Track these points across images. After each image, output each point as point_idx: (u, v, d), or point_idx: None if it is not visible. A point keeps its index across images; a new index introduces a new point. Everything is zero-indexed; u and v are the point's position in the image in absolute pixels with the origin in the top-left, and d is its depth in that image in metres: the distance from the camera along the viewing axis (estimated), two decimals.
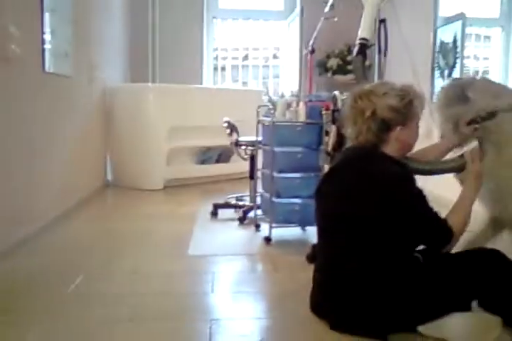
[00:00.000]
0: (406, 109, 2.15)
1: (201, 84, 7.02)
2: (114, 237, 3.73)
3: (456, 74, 4.79)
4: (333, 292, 2.17)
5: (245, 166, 4.57)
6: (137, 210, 4.64)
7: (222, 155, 6.10)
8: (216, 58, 7.48)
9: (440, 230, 2.10)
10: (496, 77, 4.38)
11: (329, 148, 3.61)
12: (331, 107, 3.50)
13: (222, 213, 4.37)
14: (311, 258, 3.08)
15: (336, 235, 2.19)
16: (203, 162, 6.06)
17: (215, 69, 7.47)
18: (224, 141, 4.67)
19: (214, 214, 4.34)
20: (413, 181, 2.13)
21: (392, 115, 2.13)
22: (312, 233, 3.27)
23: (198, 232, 3.85)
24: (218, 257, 3.28)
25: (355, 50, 3.44)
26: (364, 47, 3.41)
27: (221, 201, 4.55)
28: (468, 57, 4.75)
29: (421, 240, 2.15)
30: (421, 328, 2.06)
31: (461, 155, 2.33)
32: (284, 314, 2.40)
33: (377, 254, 2.09)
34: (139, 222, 4.16)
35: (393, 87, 2.17)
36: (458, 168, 2.32)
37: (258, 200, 4.08)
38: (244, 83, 7.70)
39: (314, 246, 3.08)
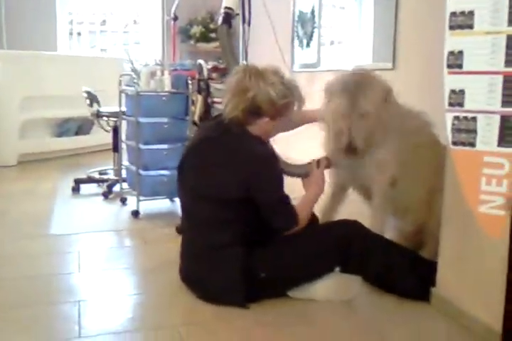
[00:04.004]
0: (282, 106, 2.16)
1: (55, 50, 6.54)
2: None
3: (314, 43, 4.95)
4: (199, 263, 2.19)
5: (107, 138, 4.37)
6: None
7: (82, 127, 5.77)
8: (71, 23, 6.99)
9: (289, 213, 2.16)
10: (349, 45, 4.58)
11: (196, 118, 3.57)
12: (197, 76, 3.44)
13: (85, 188, 4.16)
14: (180, 229, 3.05)
15: (198, 208, 2.21)
16: (61, 134, 5.68)
17: (71, 34, 7.00)
18: (84, 111, 4.41)
19: (76, 189, 4.12)
20: (277, 162, 2.18)
21: (268, 107, 2.12)
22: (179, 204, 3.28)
23: (60, 210, 3.63)
24: (83, 235, 3.11)
25: (220, 19, 3.38)
26: (229, 16, 3.37)
27: (83, 176, 4.31)
28: (325, 26, 4.90)
29: (269, 219, 2.17)
30: (289, 292, 2.18)
31: (309, 163, 2.44)
32: (156, 287, 2.36)
33: (240, 225, 2.14)
34: None
35: (283, 80, 2.16)
36: (304, 175, 2.43)
37: (123, 174, 3.94)
38: (103, 50, 7.31)
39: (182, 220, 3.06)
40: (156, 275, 2.50)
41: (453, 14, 1.87)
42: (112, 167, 4.35)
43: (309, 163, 2.44)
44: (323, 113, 2.46)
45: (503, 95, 1.74)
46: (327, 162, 2.41)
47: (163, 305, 2.21)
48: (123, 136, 3.90)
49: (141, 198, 3.46)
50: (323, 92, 2.47)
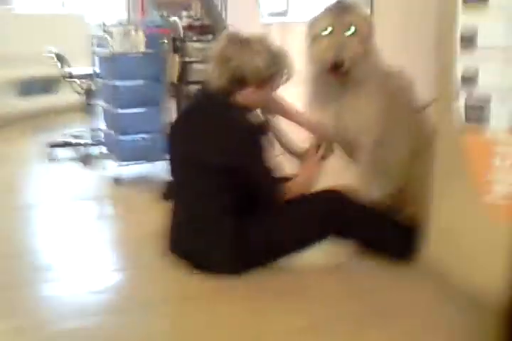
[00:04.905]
0: (269, 75, 2.10)
1: (11, 5, 6.18)
2: None
3: None
4: (190, 234, 2.17)
5: (76, 97, 4.19)
6: None
7: (49, 86, 5.55)
8: None
9: (271, 182, 2.15)
10: None
11: (173, 79, 3.49)
12: (171, 35, 3.32)
13: (61, 153, 4.03)
14: (166, 195, 3.02)
15: (188, 179, 2.18)
16: (25, 94, 5.46)
17: None
18: (48, 71, 4.23)
19: (51, 154, 3.99)
20: (262, 135, 2.14)
21: (252, 76, 2.07)
22: (162, 168, 3.25)
23: (35, 177, 3.55)
24: (62, 204, 3.03)
25: None
26: None
27: (56, 139, 4.17)
28: None
29: (254, 189, 2.16)
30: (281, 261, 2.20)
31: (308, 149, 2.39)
32: (142, 260, 2.33)
33: (229, 196, 2.12)
34: None
35: (269, 49, 2.10)
36: (300, 156, 2.40)
37: (98, 136, 3.84)
38: (63, 5, 6.94)
39: (169, 183, 3.02)
40: (142, 247, 2.44)
41: None
42: (84, 129, 4.21)
43: (308, 149, 2.39)
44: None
45: None
46: (325, 151, 2.36)
47: (152, 278, 2.19)
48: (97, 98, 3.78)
49: (122, 163, 3.40)
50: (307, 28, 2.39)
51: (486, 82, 1.74)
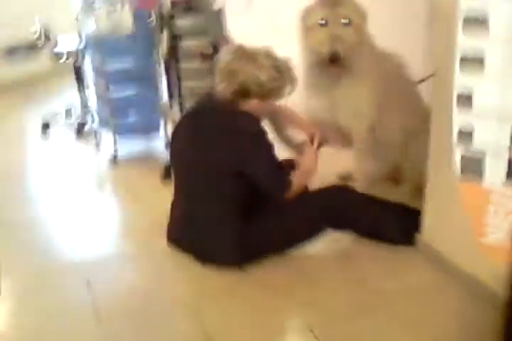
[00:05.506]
0: (272, 89, 2.17)
1: None
2: None
3: None
4: (194, 231, 2.26)
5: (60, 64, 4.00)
6: None
7: (30, 53, 5.39)
8: None
9: (280, 181, 2.22)
10: None
11: (163, 55, 3.46)
12: (159, 11, 3.25)
13: (54, 129, 3.99)
14: (165, 177, 3.08)
15: (195, 182, 2.26)
16: (7, 61, 5.31)
17: None
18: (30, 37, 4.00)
19: (44, 133, 3.97)
20: (266, 137, 2.20)
21: (257, 90, 2.14)
22: (158, 145, 3.43)
23: (31, 157, 3.54)
24: (59, 191, 3.06)
25: None
26: None
27: (47, 111, 4.11)
28: None
29: (263, 187, 2.23)
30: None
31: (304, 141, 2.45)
32: (141, 249, 2.42)
33: (236, 200, 2.21)
34: None
35: (275, 63, 2.16)
36: (298, 149, 2.46)
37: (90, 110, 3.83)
38: None
39: (166, 166, 3.07)
40: (145, 236, 2.52)
41: None
42: (75, 100, 4.12)
43: (304, 141, 2.46)
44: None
45: None
46: (321, 141, 2.42)
47: (152, 267, 2.29)
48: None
49: (117, 141, 3.41)
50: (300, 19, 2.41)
51: (482, 138, 1.81)
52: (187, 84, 3.43)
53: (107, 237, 2.60)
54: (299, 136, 2.54)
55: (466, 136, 1.86)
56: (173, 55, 3.39)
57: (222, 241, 2.20)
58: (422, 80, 2.65)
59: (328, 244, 2.34)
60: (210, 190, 2.21)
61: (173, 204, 2.39)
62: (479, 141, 1.82)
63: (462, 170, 1.88)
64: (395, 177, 2.79)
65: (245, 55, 2.15)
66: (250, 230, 2.20)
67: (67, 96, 4.41)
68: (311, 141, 2.40)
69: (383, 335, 1.86)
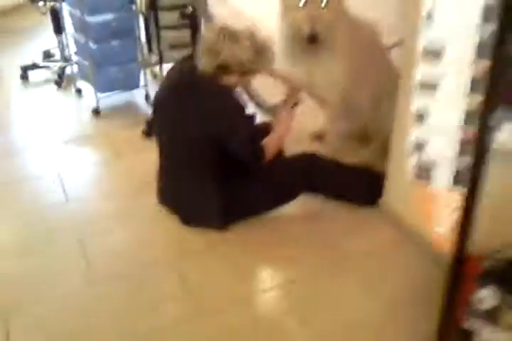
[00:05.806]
0: (251, 68, 2.28)
1: None
2: None
3: None
4: (180, 193, 2.46)
5: None
6: None
7: None
8: None
9: (257, 150, 2.35)
10: None
11: (143, 9, 3.47)
12: None
13: (32, 75, 3.97)
14: (147, 133, 3.20)
15: (177, 151, 2.41)
16: None
17: None
18: None
19: (24, 77, 3.96)
20: (243, 108, 2.35)
21: (237, 68, 2.26)
22: (139, 97, 3.52)
23: (8, 106, 3.55)
24: (39, 147, 3.11)
25: None
26: None
27: (26, 58, 4.05)
28: None
29: (240, 155, 2.37)
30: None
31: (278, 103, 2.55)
32: (128, 208, 2.57)
33: (217, 167, 2.38)
34: None
35: (256, 45, 2.24)
36: (273, 111, 2.58)
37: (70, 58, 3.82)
38: None
39: (149, 122, 3.19)
40: (131, 195, 2.66)
41: None
42: (53, 46, 4.11)
43: (278, 103, 2.56)
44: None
45: None
46: (295, 101, 2.53)
47: (143, 229, 2.46)
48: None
49: (99, 94, 3.47)
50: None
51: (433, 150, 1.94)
52: (166, 34, 3.48)
53: (93, 195, 2.74)
54: (272, 100, 2.69)
55: (420, 147, 1.98)
56: (153, 8, 3.42)
57: (207, 207, 2.40)
58: (393, 46, 2.78)
59: (301, 205, 2.56)
60: (193, 158, 2.36)
61: (160, 170, 2.54)
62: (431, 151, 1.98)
63: (415, 176, 2.04)
64: (364, 137, 2.97)
65: (228, 34, 2.24)
66: (232, 196, 2.39)
67: (44, 36, 4.34)
68: (288, 101, 2.52)
69: (343, 290, 2.13)
